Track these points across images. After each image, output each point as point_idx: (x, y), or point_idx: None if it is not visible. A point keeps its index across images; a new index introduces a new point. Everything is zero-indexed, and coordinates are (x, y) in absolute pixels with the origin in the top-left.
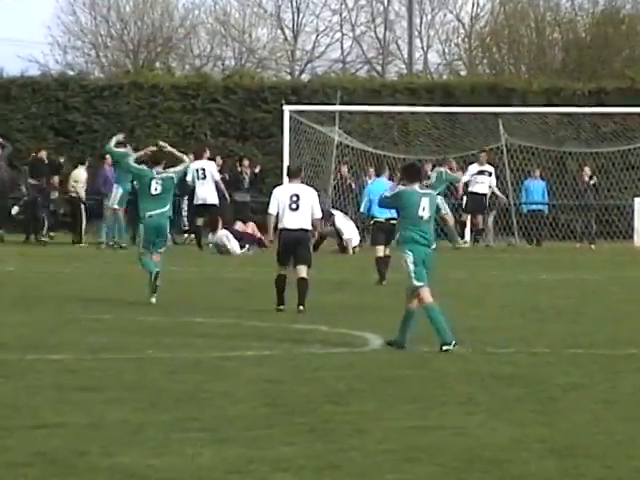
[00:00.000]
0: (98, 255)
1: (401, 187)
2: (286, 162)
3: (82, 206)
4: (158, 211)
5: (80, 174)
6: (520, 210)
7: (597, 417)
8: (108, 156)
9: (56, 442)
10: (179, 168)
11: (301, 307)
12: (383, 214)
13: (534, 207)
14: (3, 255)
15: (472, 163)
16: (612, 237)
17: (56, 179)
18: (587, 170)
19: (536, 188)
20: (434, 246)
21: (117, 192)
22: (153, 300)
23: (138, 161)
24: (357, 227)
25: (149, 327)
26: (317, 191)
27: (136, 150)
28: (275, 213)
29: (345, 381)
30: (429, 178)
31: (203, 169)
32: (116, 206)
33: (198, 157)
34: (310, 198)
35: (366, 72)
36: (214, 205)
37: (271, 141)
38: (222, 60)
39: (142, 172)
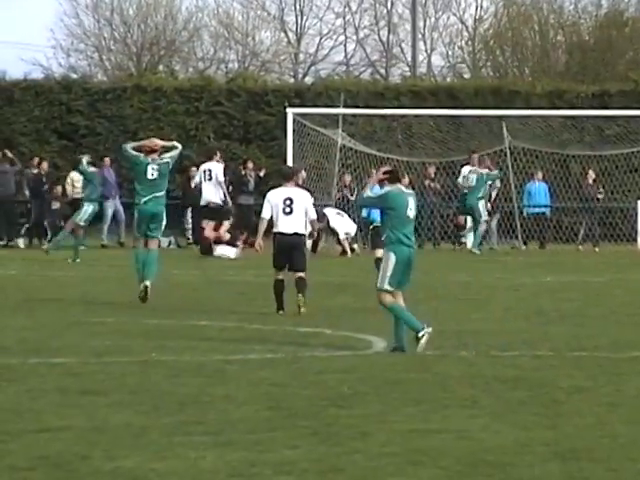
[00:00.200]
0: (101, 258)
1: (387, 188)
2: (290, 165)
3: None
4: (153, 196)
5: (79, 176)
6: (523, 213)
7: (601, 420)
8: (107, 158)
9: (59, 446)
10: (173, 153)
11: (300, 295)
12: None
13: (537, 210)
14: (5, 259)
15: (463, 165)
16: (616, 240)
17: (59, 189)
18: (591, 173)
19: (538, 191)
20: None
21: (87, 209)
22: (142, 285)
23: (135, 149)
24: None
25: (152, 330)
26: (320, 194)
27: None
28: (268, 217)
29: (348, 384)
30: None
31: (210, 170)
32: (82, 223)
33: (209, 159)
34: (304, 201)
35: (370, 75)
36: (218, 206)
37: (274, 144)
38: (225, 63)
39: (138, 158)
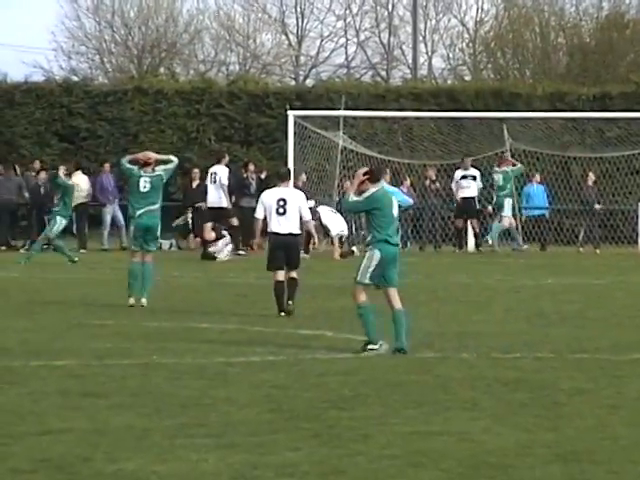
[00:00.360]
0: (102, 261)
1: (371, 189)
2: (291, 167)
3: (85, 211)
4: (147, 209)
5: (79, 180)
6: (523, 215)
7: (602, 422)
8: (107, 164)
9: (61, 448)
10: (168, 167)
11: (290, 302)
12: None
13: (536, 212)
14: (7, 261)
15: (458, 169)
16: (617, 242)
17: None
18: (591, 175)
19: (536, 193)
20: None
21: (60, 223)
22: (131, 301)
23: (131, 162)
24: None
25: (153, 332)
26: (321, 196)
27: None
28: (262, 217)
29: (350, 386)
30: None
31: (215, 173)
32: (52, 235)
33: (218, 162)
34: (297, 201)
35: (370, 77)
36: (222, 208)
37: (275, 146)
38: (226, 65)
39: (131, 171)
